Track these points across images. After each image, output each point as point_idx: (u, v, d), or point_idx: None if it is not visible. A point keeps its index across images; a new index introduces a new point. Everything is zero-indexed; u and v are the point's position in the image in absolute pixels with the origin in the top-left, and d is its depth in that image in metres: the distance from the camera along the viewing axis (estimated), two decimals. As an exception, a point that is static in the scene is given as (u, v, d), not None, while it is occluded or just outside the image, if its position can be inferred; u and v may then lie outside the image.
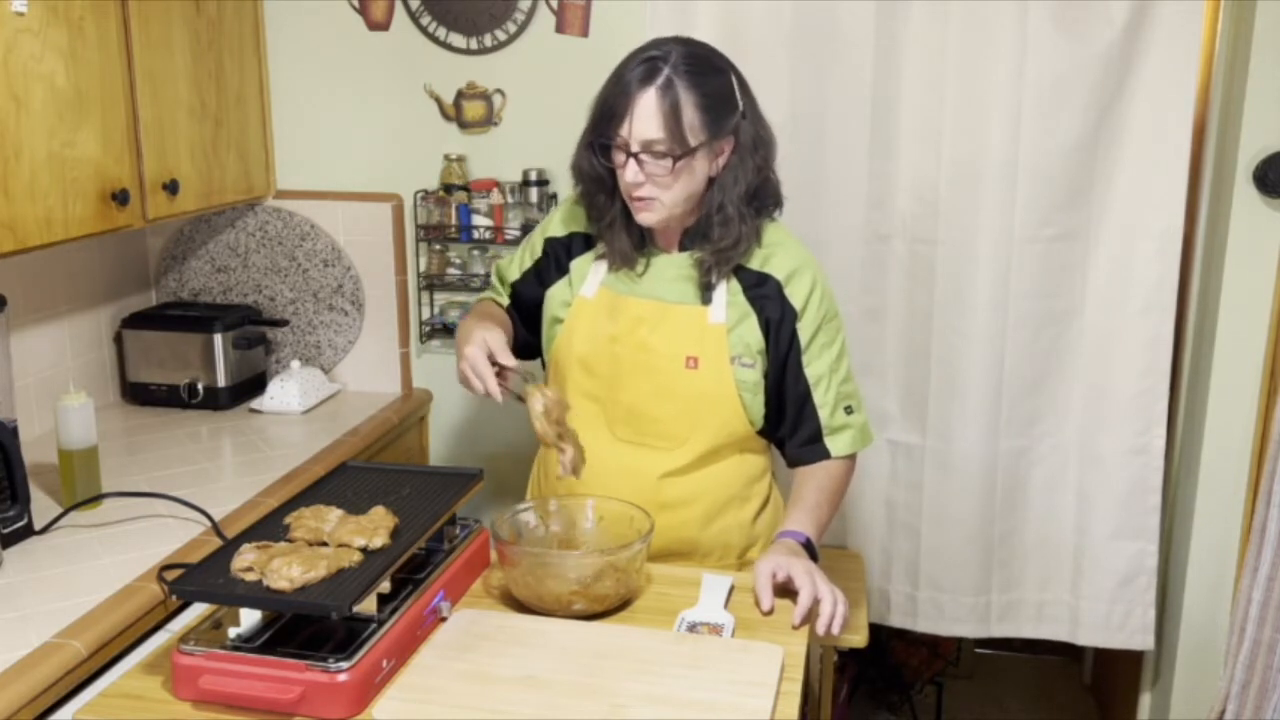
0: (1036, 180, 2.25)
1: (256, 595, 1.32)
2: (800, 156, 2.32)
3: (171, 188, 2.13)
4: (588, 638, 1.44)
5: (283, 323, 2.61)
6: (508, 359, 1.60)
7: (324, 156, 2.59)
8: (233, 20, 2.38)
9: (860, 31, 2.25)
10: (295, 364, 2.54)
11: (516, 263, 1.87)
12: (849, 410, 1.73)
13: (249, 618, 1.37)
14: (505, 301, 1.87)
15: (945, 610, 2.49)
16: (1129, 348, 2.31)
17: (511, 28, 2.45)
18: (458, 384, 2.59)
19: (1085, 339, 2.34)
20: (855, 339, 2.41)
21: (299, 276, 2.60)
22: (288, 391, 2.45)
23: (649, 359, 1.69)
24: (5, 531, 1.71)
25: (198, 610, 1.57)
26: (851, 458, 1.76)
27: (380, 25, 2.51)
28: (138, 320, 2.49)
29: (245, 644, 1.33)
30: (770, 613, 1.54)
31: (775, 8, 2.27)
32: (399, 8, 2.48)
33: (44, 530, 1.78)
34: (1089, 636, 2.47)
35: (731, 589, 1.59)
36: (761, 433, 1.76)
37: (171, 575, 1.60)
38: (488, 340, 1.59)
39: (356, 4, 2.50)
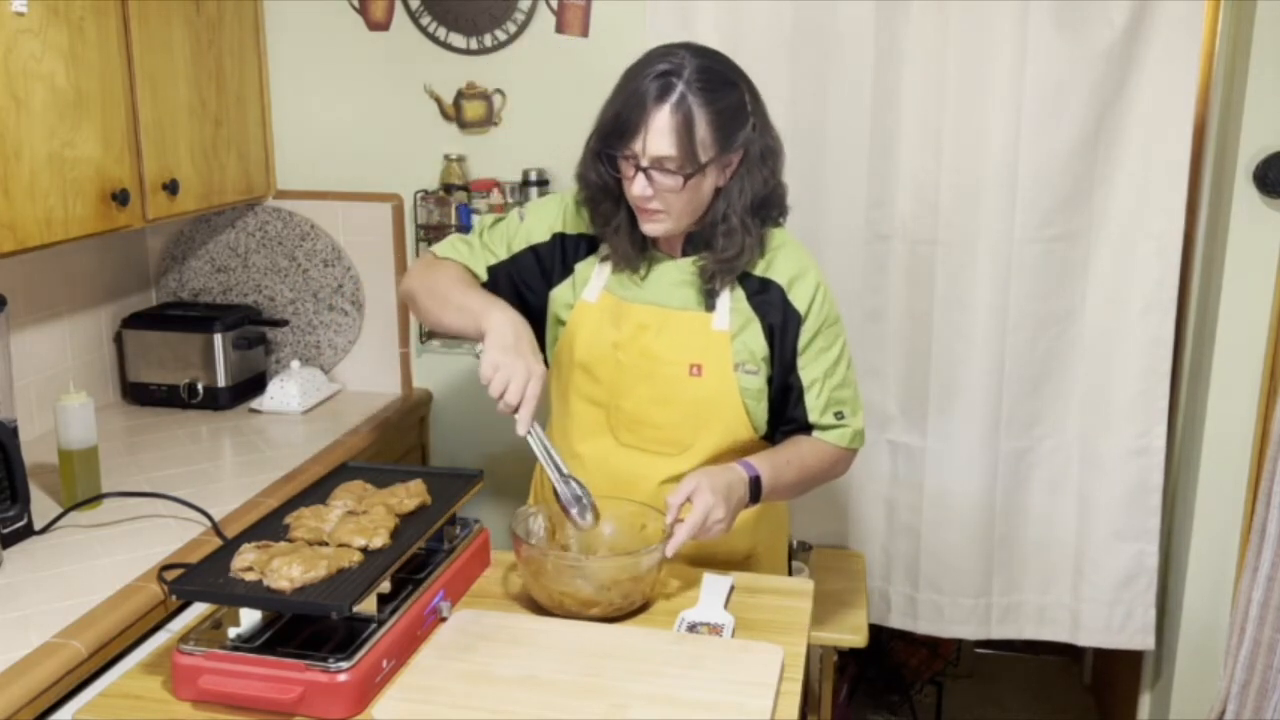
0: (1036, 180, 2.25)
1: (256, 595, 1.32)
2: (800, 157, 2.32)
3: (171, 188, 2.13)
4: (588, 638, 1.44)
5: (283, 323, 2.61)
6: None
7: (324, 156, 2.59)
8: (233, 20, 2.38)
9: (860, 32, 2.25)
10: (295, 364, 2.53)
11: (505, 240, 1.76)
12: (839, 415, 1.70)
13: (249, 618, 1.37)
14: (483, 276, 1.76)
15: (945, 612, 2.49)
16: (1129, 348, 2.31)
17: (511, 28, 2.45)
18: (457, 384, 2.58)
19: (1085, 339, 2.34)
20: (856, 339, 2.40)
21: (299, 276, 2.60)
22: (288, 391, 2.45)
23: (652, 366, 1.67)
24: (5, 531, 1.71)
25: (198, 610, 1.57)
26: (846, 454, 1.73)
27: (380, 25, 2.50)
28: (138, 320, 2.49)
29: (245, 644, 1.33)
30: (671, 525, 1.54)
31: (775, 8, 2.27)
32: (399, 8, 2.48)
33: (44, 530, 1.78)
34: (1089, 638, 2.47)
35: (731, 589, 1.59)
36: (764, 437, 1.74)
37: (171, 575, 1.60)
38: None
39: (356, 4, 2.50)
